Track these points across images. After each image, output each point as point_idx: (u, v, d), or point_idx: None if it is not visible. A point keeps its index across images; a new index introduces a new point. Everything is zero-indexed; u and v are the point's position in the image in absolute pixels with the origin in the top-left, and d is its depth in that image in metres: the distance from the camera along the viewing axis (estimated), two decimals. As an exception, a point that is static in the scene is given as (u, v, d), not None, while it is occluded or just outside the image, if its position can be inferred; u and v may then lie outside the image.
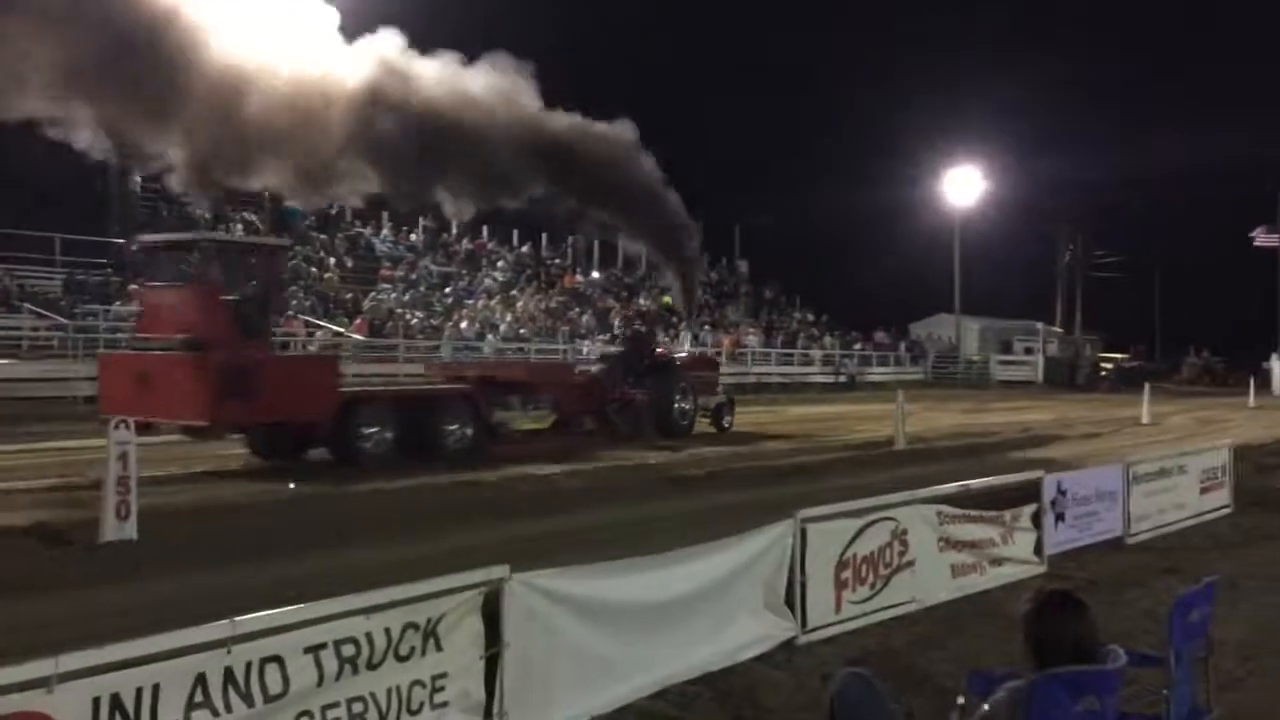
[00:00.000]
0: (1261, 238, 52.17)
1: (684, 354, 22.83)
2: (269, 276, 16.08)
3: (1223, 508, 12.33)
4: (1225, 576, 8.74)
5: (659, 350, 22.26)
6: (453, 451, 15.60)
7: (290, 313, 29.20)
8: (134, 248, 19.61)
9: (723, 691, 5.93)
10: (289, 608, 4.34)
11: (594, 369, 21.35)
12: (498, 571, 4.97)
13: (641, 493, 12.96)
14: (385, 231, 39.94)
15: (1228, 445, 13.06)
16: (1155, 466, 11.31)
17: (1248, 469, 14.74)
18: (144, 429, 11.63)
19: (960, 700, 4.04)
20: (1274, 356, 47.46)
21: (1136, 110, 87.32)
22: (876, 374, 45.98)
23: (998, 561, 8.68)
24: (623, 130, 21.43)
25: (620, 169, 21.39)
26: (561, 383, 19.25)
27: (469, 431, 16.09)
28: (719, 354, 33.27)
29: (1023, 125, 69.83)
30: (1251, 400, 33.95)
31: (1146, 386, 29.98)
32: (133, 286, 20.35)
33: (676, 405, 19.96)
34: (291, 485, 10.45)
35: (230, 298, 14.52)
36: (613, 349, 23.42)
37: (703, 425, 20.74)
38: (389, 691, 4.57)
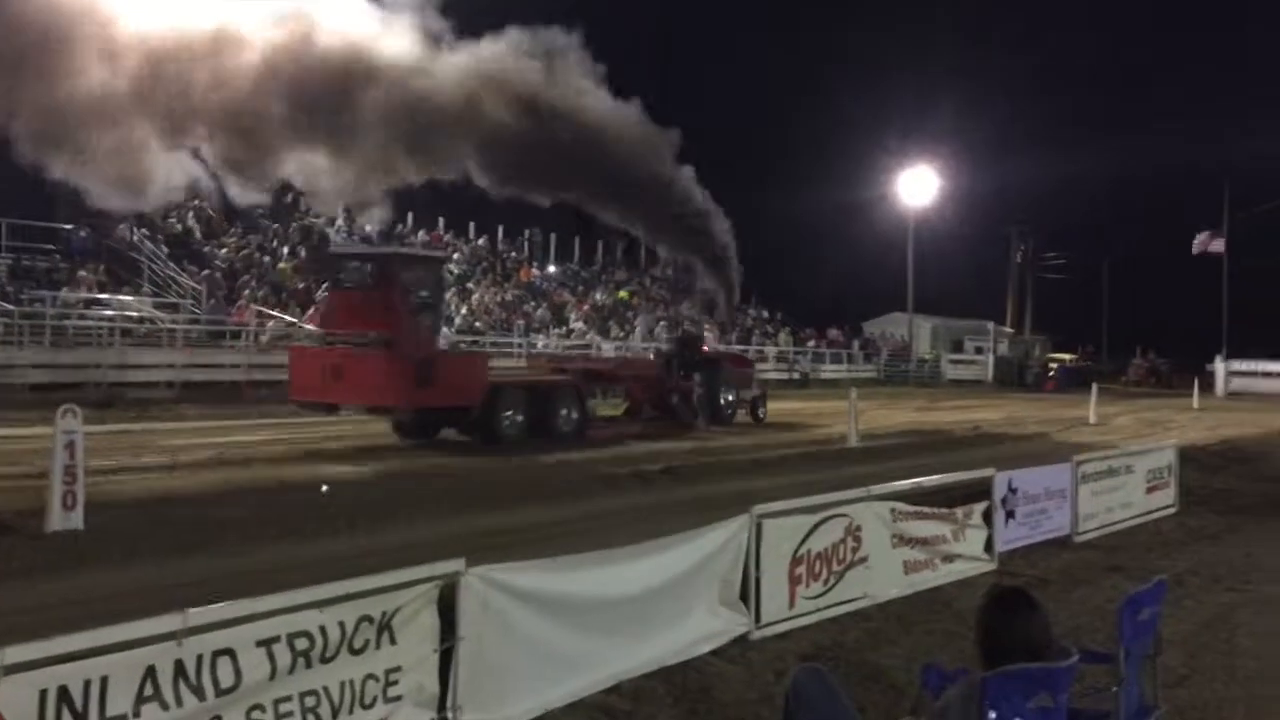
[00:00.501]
0: (1206, 244, 52.97)
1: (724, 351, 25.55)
2: (437, 284, 18.71)
3: (1168, 507, 12.54)
4: (1170, 574, 8.92)
5: (705, 349, 24.32)
6: (562, 432, 18.03)
7: (242, 302, 28.90)
8: (326, 254, 22.41)
9: (677, 686, 5.94)
10: (241, 600, 4.29)
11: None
12: (453, 565, 4.95)
13: (601, 488, 12.94)
14: (339, 222, 39.53)
15: (1173, 446, 13.26)
16: (1103, 466, 11.46)
17: (1192, 469, 15.01)
18: (329, 410, 16.89)
19: (914, 696, 4.08)
20: (1218, 359, 48.36)
21: (1088, 114, 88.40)
22: (830, 371, 46.25)
23: (949, 558, 8.77)
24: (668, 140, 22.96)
25: (670, 188, 23.12)
26: (637, 376, 22.06)
27: (575, 415, 18.54)
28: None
29: (976, 127, 70.33)
30: (1196, 402, 34.55)
31: (1094, 387, 30.46)
32: (320, 290, 23.06)
33: (722, 396, 22.47)
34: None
35: (412, 301, 16.98)
36: (665, 347, 25.23)
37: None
38: (342, 685, 4.53)
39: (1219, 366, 47.82)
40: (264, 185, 20.06)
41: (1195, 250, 52.56)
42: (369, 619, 4.64)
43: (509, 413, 17.35)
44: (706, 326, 27.31)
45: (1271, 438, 22.08)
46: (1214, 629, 7.63)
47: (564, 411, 18.38)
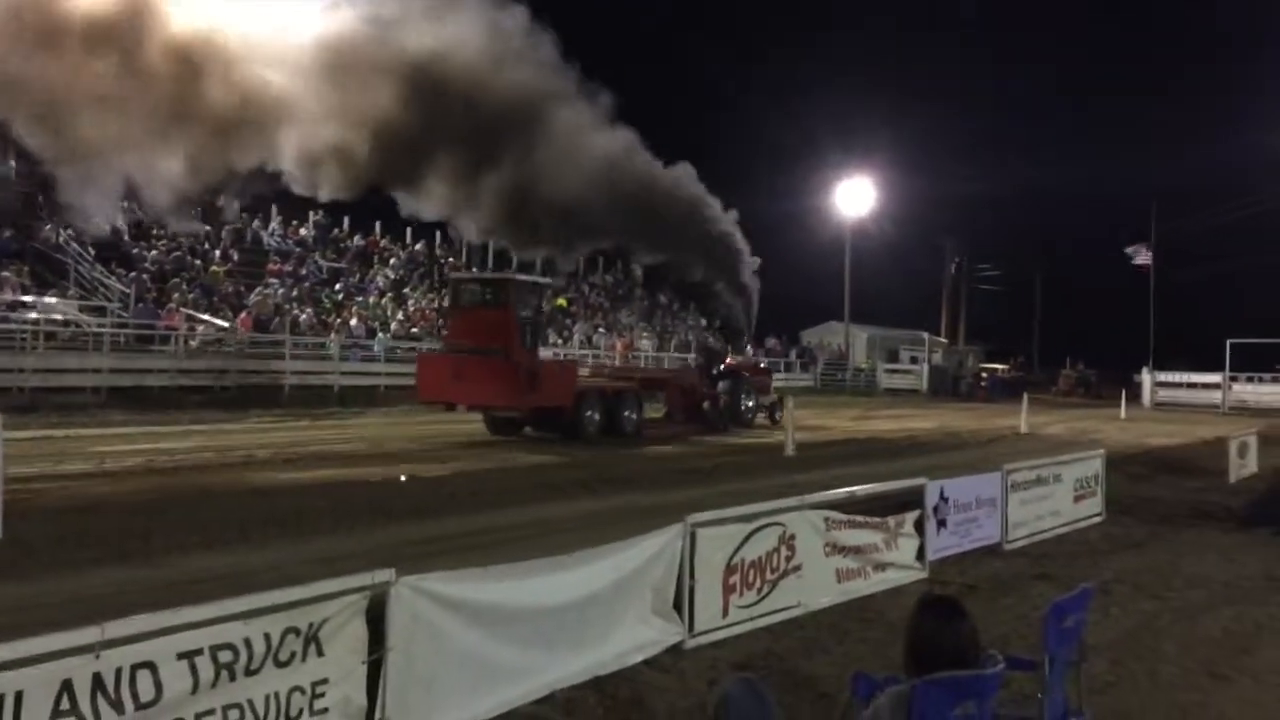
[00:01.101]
0: (1138, 255, 54.17)
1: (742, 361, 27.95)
2: (539, 305, 21.63)
3: (1095, 516, 12.76)
4: (1096, 582, 9.07)
5: (728, 361, 26.80)
6: (625, 432, 20.88)
7: (170, 305, 28.38)
8: (449, 277, 25.99)
9: (609, 695, 5.92)
10: (162, 612, 4.19)
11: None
12: (383, 575, 4.88)
13: (531, 496, 12.87)
14: (274, 225, 39.01)
15: (1100, 455, 13.50)
16: (1032, 475, 11.63)
17: (1119, 478, 15.30)
18: (449, 407, 20.39)
19: (843, 703, 4.10)
20: (1145, 370, 49.44)
21: (1022, 130, 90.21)
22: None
23: (881, 567, 8.84)
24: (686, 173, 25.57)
25: (699, 219, 25.92)
26: (678, 384, 25.05)
27: (634, 417, 21.41)
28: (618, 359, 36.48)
29: (913, 140, 71.55)
30: (1123, 412, 35.28)
31: (1025, 397, 30.98)
32: (447, 307, 25.61)
33: (744, 402, 25.42)
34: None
35: (522, 319, 19.84)
36: (693, 359, 29.61)
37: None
38: (267, 698, 4.45)
39: (1146, 378, 48.87)
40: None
41: (1136, 261, 53.67)
42: (295, 630, 4.56)
43: (590, 413, 20.27)
44: (728, 342, 29.11)
45: (1196, 448, 22.59)
46: (1138, 636, 7.77)
47: (627, 413, 21.22)
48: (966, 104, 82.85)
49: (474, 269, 29.97)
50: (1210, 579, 9.85)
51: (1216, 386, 46.44)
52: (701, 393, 24.85)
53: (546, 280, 25.52)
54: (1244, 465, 18.38)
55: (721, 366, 26.16)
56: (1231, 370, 46.77)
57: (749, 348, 31.63)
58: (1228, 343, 46.63)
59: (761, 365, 30.87)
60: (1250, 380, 47.38)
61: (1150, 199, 53.90)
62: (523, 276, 23.30)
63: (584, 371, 24.67)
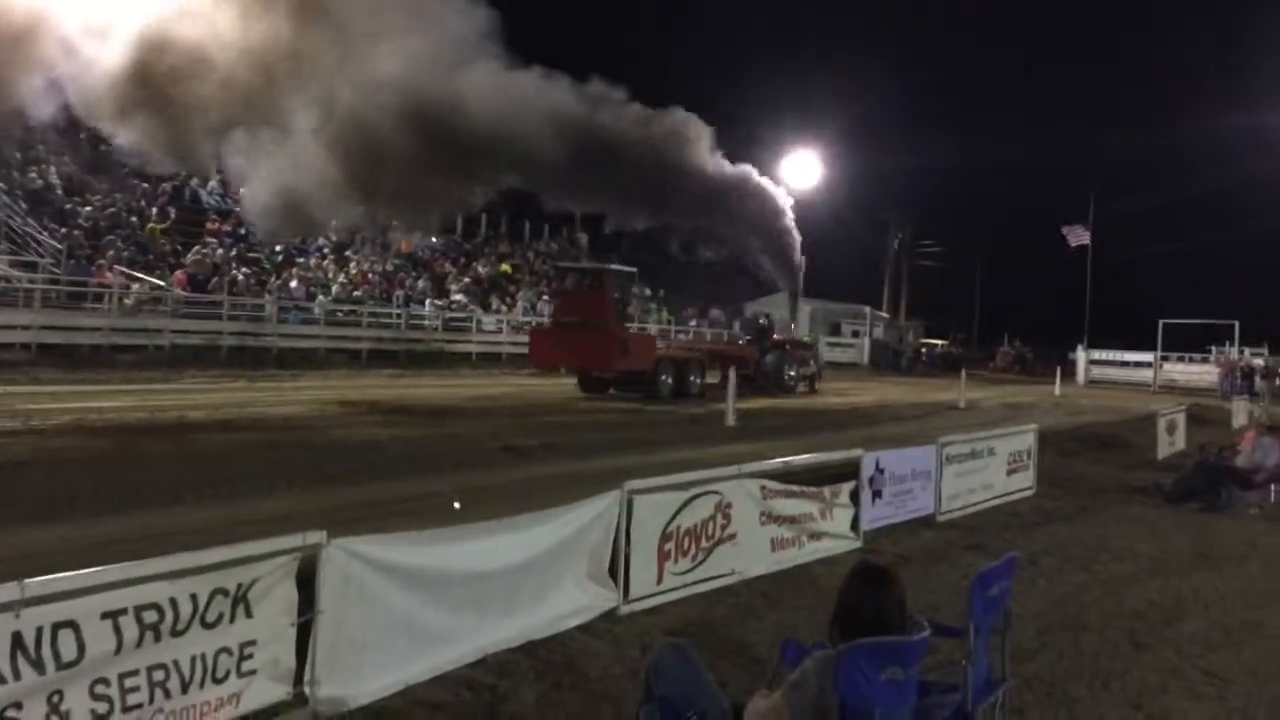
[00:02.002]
0: (1073, 236, 54.97)
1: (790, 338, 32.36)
2: (627, 288, 27.13)
3: (1026, 489, 12.99)
4: (1025, 554, 9.25)
5: (776, 336, 31.09)
6: (691, 394, 24.80)
7: (102, 262, 27.77)
8: (556, 265, 31.36)
9: (543, 660, 5.93)
10: (84, 571, 4.11)
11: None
12: (314, 537, 4.83)
13: (479, 461, 12.82)
14: (213, 183, 38.24)
15: (1033, 430, 13.72)
16: (966, 448, 11.80)
17: (1051, 453, 15.57)
18: (552, 370, 25.61)
19: (773, 669, 4.14)
20: (1079, 348, 50.31)
21: (966, 108, 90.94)
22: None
23: (816, 536, 8.93)
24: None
25: (761, 208, 30.25)
26: (735, 355, 28.35)
27: (698, 381, 25.55)
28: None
29: (858, 115, 71.79)
30: (1058, 389, 35.86)
31: (963, 373, 31.40)
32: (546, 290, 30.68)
33: (788, 371, 29.61)
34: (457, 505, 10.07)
35: (615, 299, 24.65)
36: (747, 335, 33.06)
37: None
38: (193, 660, 4.40)
39: (1080, 355, 49.73)
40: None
41: (1073, 241, 54.41)
42: (223, 591, 4.51)
43: (664, 377, 24.23)
44: (776, 319, 33.88)
45: (1127, 424, 23.01)
46: (1064, 606, 7.93)
47: (692, 378, 25.34)
48: (911, 81, 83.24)
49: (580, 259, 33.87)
50: (1136, 552, 10.08)
51: (1148, 365, 47.43)
52: (752, 363, 28.65)
53: (632, 269, 28.89)
54: (1172, 442, 18.82)
55: (769, 341, 30.42)
56: (1163, 350, 47.77)
57: (792, 325, 35.65)
58: (1160, 323, 47.60)
59: (804, 341, 34.49)
60: (1180, 360, 48.42)
61: (1089, 180, 54.69)
62: (615, 266, 27.65)
63: (661, 344, 28.47)
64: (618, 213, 29.23)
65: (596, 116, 23.70)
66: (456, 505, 8.87)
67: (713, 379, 26.44)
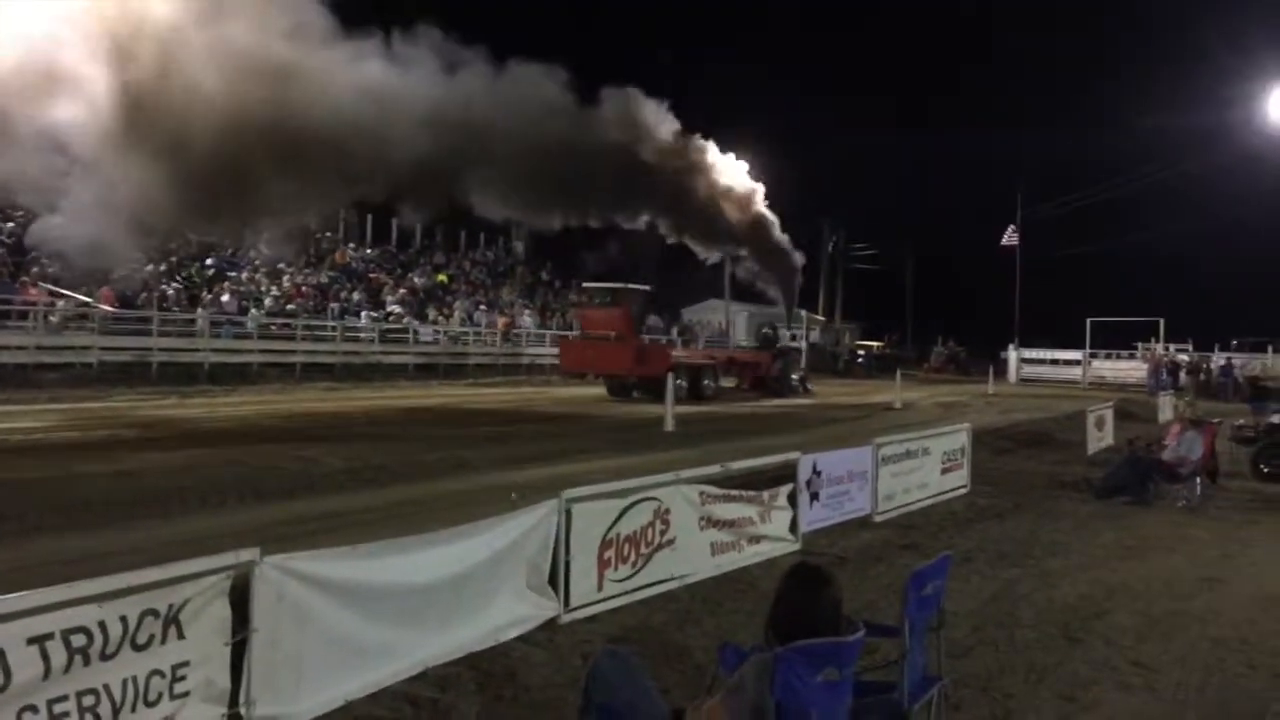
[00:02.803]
0: (1006, 238, 55.98)
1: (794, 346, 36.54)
2: (645, 304, 30.43)
3: (960, 487, 13.19)
4: (959, 552, 9.42)
5: (780, 345, 34.55)
6: (705, 395, 27.84)
7: (25, 279, 27.13)
8: (581, 285, 33.21)
9: (484, 672, 5.90)
10: (9, 596, 4.01)
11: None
12: (246, 555, 4.77)
13: (410, 474, 12.71)
14: (140, 197, 37.53)
15: (966, 429, 13.93)
16: (902, 448, 11.95)
17: (984, 452, 15.82)
18: (579, 376, 29.20)
19: (711, 673, 4.16)
20: (1011, 348, 51.16)
21: (897, 112, 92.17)
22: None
23: (756, 539, 8.98)
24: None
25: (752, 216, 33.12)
26: (749, 363, 32.41)
27: (712, 385, 28.73)
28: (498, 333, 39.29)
29: (792, 119, 72.47)
30: (990, 388, 36.43)
31: (898, 373, 31.82)
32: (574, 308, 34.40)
33: (792, 376, 32.70)
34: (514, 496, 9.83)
35: (634, 314, 28.47)
36: (755, 343, 36.39)
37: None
38: (124, 683, 4.31)
39: (1012, 354, 50.59)
40: None
41: (1003, 242, 55.38)
42: (154, 613, 4.43)
43: (678, 380, 24.71)
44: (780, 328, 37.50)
45: (1057, 421, 23.45)
46: (998, 602, 8.06)
47: (706, 382, 28.52)
48: (840, 87, 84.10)
49: (597, 281, 34.09)
50: (1068, 546, 10.28)
51: (1077, 363, 48.35)
52: (763, 368, 32.02)
53: (647, 287, 31.21)
54: (1101, 438, 19.20)
55: (776, 348, 33.74)
56: (1091, 347, 48.75)
57: (789, 333, 38.81)
58: (1088, 321, 48.58)
59: (796, 347, 37.89)
60: (1109, 357, 49.44)
61: (1017, 181, 55.69)
62: (634, 285, 30.17)
63: (678, 352, 32.00)
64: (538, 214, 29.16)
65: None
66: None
67: (730, 384, 30.83)
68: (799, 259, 35.96)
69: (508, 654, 6.21)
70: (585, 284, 32.93)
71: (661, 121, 28.04)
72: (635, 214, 29.61)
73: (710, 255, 36.81)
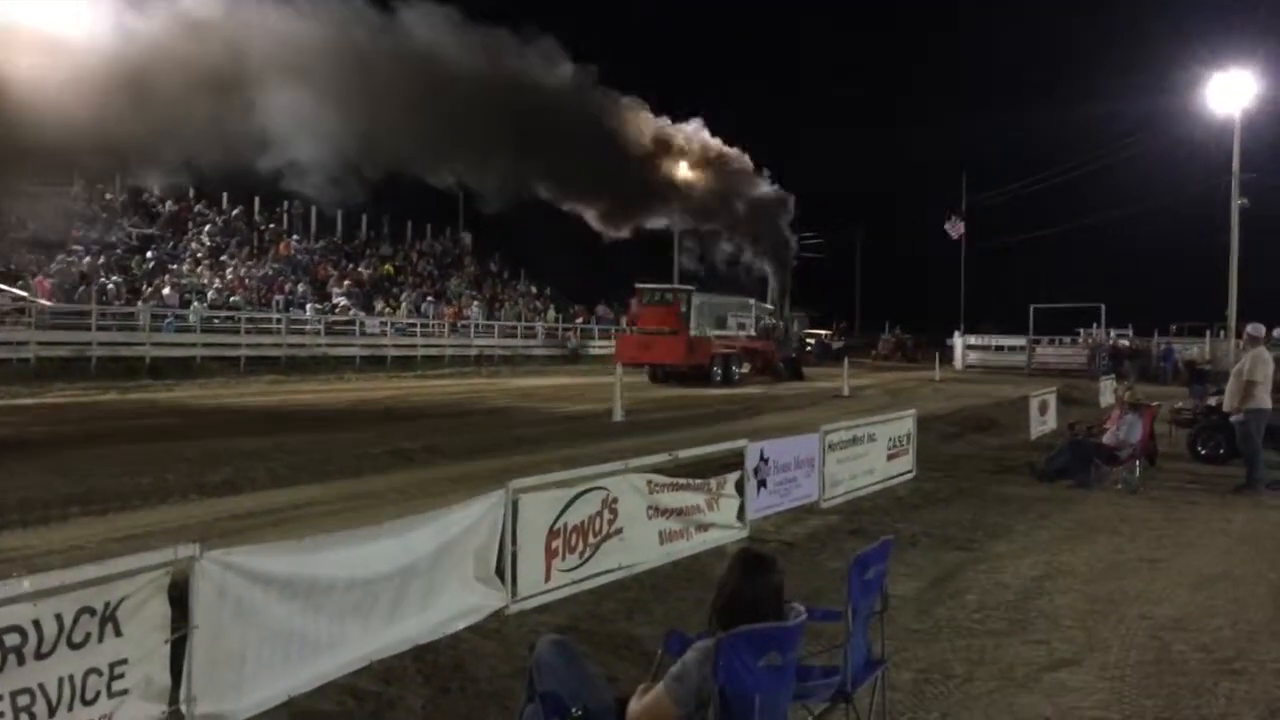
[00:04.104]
0: (953, 230, 56.65)
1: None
2: (689, 301, 32.74)
3: (906, 473, 13.32)
4: (905, 536, 9.53)
5: (779, 333, 38.18)
6: (734, 381, 31.68)
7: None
8: (637, 286, 34.47)
9: (430, 664, 5.87)
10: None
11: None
12: (185, 550, 4.69)
13: (356, 467, 12.60)
14: (76, 189, 36.83)
15: (912, 415, 14.07)
16: (848, 435, 12.03)
17: (930, 437, 16.01)
18: (635, 367, 29.66)
19: (656, 661, 4.16)
20: (956, 334, 51.78)
21: (844, 102, 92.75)
22: (599, 347, 46.76)
23: (704, 527, 9.00)
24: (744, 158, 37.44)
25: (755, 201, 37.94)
26: (761, 350, 36.05)
27: (737, 371, 32.66)
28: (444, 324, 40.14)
29: (741, 107, 72.77)
30: (937, 374, 36.86)
31: (846, 361, 32.09)
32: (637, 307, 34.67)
33: (794, 360, 37.49)
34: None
35: (683, 312, 31.98)
36: (759, 333, 38.28)
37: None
38: (60, 682, 4.22)
39: (958, 341, 51.21)
40: None
41: (952, 235, 56.04)
42: (90, 610, 4.34)
43: (716, 368, 31.16)
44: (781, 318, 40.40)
45: (1001, 407, 23.78)
46: (943, 585, 8.15)
47: (734, 368, 32.29)
48: (784, 75, 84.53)
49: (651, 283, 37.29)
50: (1011, 530, 10.42)
51: (1021, 349, 49.04)
52: (768, 355, 35.90)
53: (691, 286, 34.74)
54: (1044, 422, 19.49)
55: (779, 336, 37.81)
56: (1035, 334, 49.47)
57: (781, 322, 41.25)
58: (1031, 308, 49.31)
59: (796, 334, 41.50)
60: (1052, 343, 50.23)
61: (960, 170, 56.34)
62: (684, 286, 34.59)
63: (716, 344, 34.00)
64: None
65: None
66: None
67: (744, 370, 33.93)
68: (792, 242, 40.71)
69: (455, 645, 6.18)
70: (640, 285, 35.71)
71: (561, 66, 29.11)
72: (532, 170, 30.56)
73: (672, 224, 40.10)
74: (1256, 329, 13.55)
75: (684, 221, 39.55)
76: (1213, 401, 16.52)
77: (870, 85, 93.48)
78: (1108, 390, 25.51)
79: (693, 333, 32.08)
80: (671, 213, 36.96)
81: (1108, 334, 48.73)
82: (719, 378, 31.04)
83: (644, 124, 32.89)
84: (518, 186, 30.02)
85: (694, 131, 35.51)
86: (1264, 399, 13.00)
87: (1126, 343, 46.93)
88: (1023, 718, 5.45)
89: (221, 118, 19.60)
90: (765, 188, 38.88)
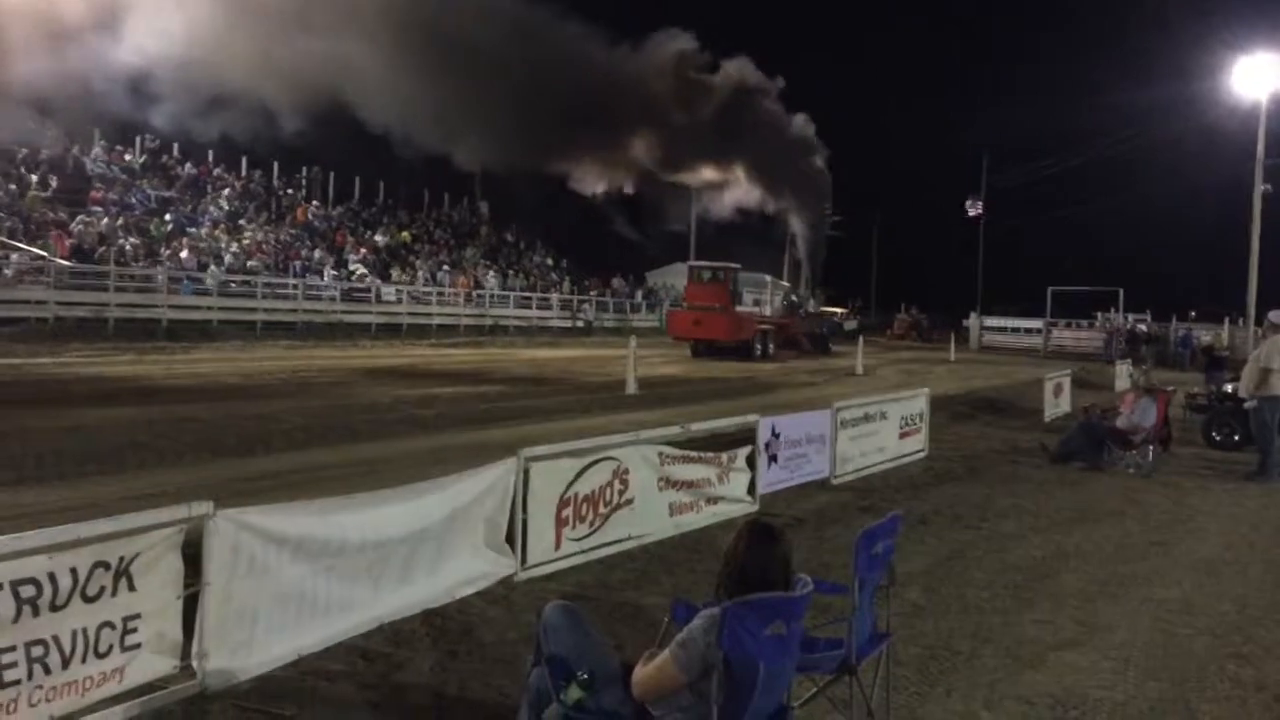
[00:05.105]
0: (972, 208, 56.41)
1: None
2: (736, 280, 34.33)
3: (918, 452, 13.32)
4: (915, 514, 9.54)
5: (810, 310, 40.95)
6: (770, 354, 33.04)
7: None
8: (690, 266, 37.01)
9: (439, 628, 5.92)
10: (-46, 545, 3.98)
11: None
12: (199, 508, 4.74)
13: (370, 433, 12.66)
14: (97, 150, 36.95)
15: (925, 394, 14.05)
16: (860, 412, 12.04)
17: (943, 417, 15.99)
18: (683, 339, 33.24)
19: (664, 628, 4.20)
20: (973, 315, 51.60)
21: (862, 83, 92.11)
22: (612, 320, 46.78)
23: (714, 500, 9.04)
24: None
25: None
26: (788, 325, 36.94)
27: (773, 346, 33.63)
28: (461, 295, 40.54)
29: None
30: (952, 355, 36.76)
31: (860, 339, 32.02)
32: (688, 284, 36.16)
33: (823, 337, 39.10)
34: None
35: (733, 290, 33.50)
36: (785, 309, 40.10)
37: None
38: (74, 634, 4.28)
39: (974, 322, 51.03)
40: None
41: (971, 213, 55.80)
42: (105, 565, 4.39)
43: (758, 344, 32.62)
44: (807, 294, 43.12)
45: (1016, 388, 23.72)
46: (951, 563, 8.17)
47: (770, 344, 33.43)
48: (807, 55, 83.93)
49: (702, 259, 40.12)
50: (1022, 510, 10.43)
51: (1038, 331, 48.85)
52: (793, 330, 37.01)
53: (738, 265, 35.36)
54: (1058, 405, 19.45)
55: (804, 313, 39.78)
56: (1052, 316, 49.24)
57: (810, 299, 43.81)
58: (1049, 290, 49.03)
59: (818, 311, 43.69)
60: (1069, 326, 50.01)
61: (982, 151, 55.98)
62: (732, 264, 34.84)
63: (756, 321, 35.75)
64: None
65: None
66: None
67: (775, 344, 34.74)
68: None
69: (464, 610, 6.23)
70: (691, 263, 37.76)
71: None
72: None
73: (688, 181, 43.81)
74: (1276, 316, 13.46)
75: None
76: (1228, 388, 16.45)
77: (891, 65, 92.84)
78: (1123, 374, 25.43)
79: (739, 309, 33.49)
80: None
81: (1125, 318, 48.47)
82: (759, 353, 32.39)
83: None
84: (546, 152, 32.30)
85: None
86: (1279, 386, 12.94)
87: (1144, 328, 46.69)
88: (1027, 696, 5.47)
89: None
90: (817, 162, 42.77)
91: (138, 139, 38.59)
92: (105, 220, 31.48)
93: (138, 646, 4.53)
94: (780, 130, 42.97)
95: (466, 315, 38.82)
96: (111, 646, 4.43)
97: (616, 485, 7.81)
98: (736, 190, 45.50)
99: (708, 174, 45.08)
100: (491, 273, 44.65)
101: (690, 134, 40.59)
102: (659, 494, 8.36)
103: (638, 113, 37.25)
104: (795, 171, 43.02)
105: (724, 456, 9.33)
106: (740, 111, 41.34)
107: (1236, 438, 15.28)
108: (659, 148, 41.24)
